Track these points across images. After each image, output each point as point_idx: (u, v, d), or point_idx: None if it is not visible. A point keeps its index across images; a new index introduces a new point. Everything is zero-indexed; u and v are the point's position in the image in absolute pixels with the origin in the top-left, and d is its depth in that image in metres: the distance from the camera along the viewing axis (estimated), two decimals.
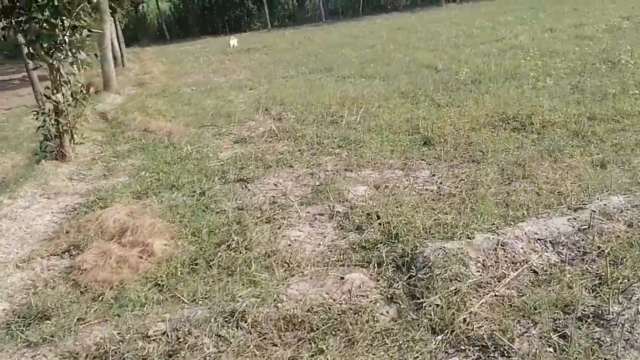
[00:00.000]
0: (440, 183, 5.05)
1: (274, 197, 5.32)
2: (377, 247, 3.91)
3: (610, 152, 5.21)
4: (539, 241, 3.55)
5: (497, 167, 5.21)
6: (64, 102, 7.19)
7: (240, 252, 4.09)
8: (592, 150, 5.31)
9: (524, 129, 6.33)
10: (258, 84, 12.90)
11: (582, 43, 11.99)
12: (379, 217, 4.37)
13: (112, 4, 18.43)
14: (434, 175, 5.31)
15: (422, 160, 5.82)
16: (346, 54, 16.34)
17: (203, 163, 6.68)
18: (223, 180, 5.96)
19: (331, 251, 4.05)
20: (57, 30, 6.71)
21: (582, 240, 3.54)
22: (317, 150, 6.70)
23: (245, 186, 5.73)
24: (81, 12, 6.78)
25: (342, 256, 3.91)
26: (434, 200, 4.66)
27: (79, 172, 7.03)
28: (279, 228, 4.55)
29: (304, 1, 41.95)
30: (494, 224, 3.96)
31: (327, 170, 5.87)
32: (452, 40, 16.11)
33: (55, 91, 7.11)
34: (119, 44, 20.96)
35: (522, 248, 3.49)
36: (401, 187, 5.07)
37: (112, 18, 18.97)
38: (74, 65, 7.09)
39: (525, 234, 3.62)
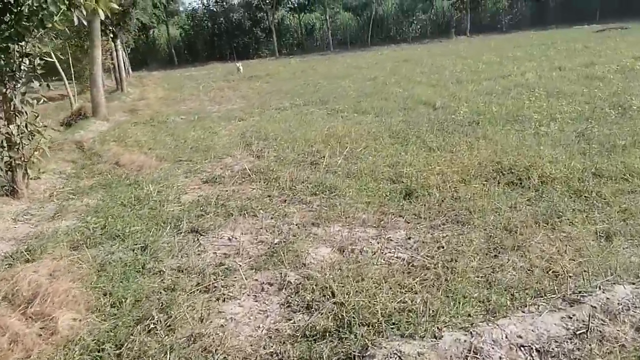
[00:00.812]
0: (416, 250, 4.30)
1: (224, 255, 4.60)
2: (324, 339, 3.15)
3: (618, 220, 4.44)
4: (522, 348, 2.77)
5: (483, 233, 4.45)
6: (17, 135, 6.58)
7: (159, 336, 3.35)
8: (596, 217, 4.53)
9: (520, 183, 5.58)
10: (249, 114, 12.34)
11: (592, 84, 11.29)
12: (334, 295, 3.62)
13: (114, 30, 18.13)
14: (409, 239, 4.56)
15: (400, 217, 5.07)
16: (345, 86, 15.79)
17: (160, 207, 5.98)
18: (175, 231, 5.25)
19: (270, 337, 3.30)
20: (10, 58, 6.13)
21: (578, 349, 2.76)
22: (288, 196, 6.00)
23: (197, 239, 5.02)
24: (37, 39, 6.21)
25: (279, 348, 3.16)
26: (403, 273, 3.90)
27: (27, 212, 6.36)
28: (216, 300, 3.81)
29: (313, 30, 41.86)
30: (470, 315, 3.19)
31: (292, 224, 5.15)
32: (455, 75, 15.51)
33: (7, 122, 6.51)
34: (119, 69, 20.66)
35: (500, 358, 2.72)
36: (369, 252, 4.32)
37: (113, 43, 18.70)
38: (29, 95, 6.49)
39: (507, 336, 2.86)
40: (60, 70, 14.95)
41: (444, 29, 42.87)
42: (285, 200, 5.89)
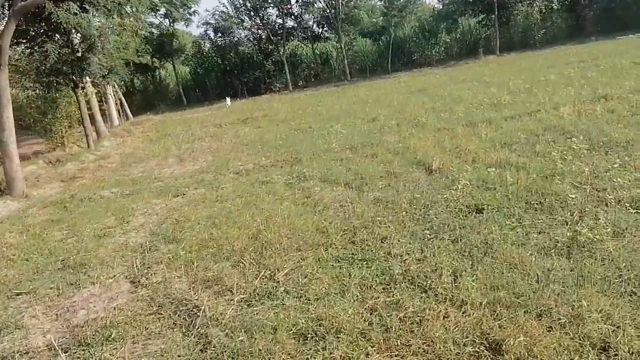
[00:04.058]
0: None
1: None
2: None
3: None
4: None
5: None
6: None
7: None
8: None
9: None
10: (195, 184, 9.62)
11: None
12: None
13: (75, 78, 15.94)
14: None
15: None
16: (335, 133, 12.92)
17: None
18: None
19: None
20: None
21: None
22: None
23: None
24: None
25: None
26: None
27: None
28: None
29: (328, 59, 39.33)
30: None
31: None
32: (471, 112, 12.41)
33: None
34: (92, 120, 18.47)
35: None
36: None
37: (74, 93, 16.51)
38: None
39: None
40: None
41: (471, 48, 39.52)
42: None
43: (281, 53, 35.03)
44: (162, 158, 13.94)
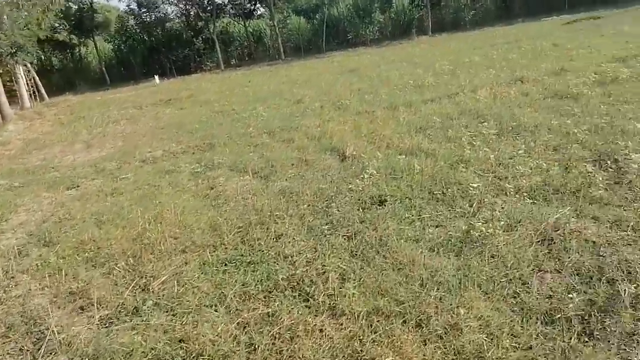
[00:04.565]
0: None
1: None
2: None
3: None
4: None
5: None
6: None
7: None
8: None
9: None
10: (95, 174, 8.86)
11: (563, 109, 8.01)
12: None
13: None
14: None
15: None
16: (257, 115, 12.41)
17: None
18: None
19: None
20: None
21: None
22: None
23: None
24: None
25: None
26: None
27: None
28: None
29: (262, 38, 38.27)
30: None
31: None
32: (394, 94, 12.20)
33: None
34: None
35: None
36: None
37: None
38: None
39: None
40: None
41: (405, 29, 39.64)
42: None
43: (211, 30, 33.60)
44: (69, 144, 12.90)
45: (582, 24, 25.69)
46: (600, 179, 4.87)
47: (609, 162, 5.37)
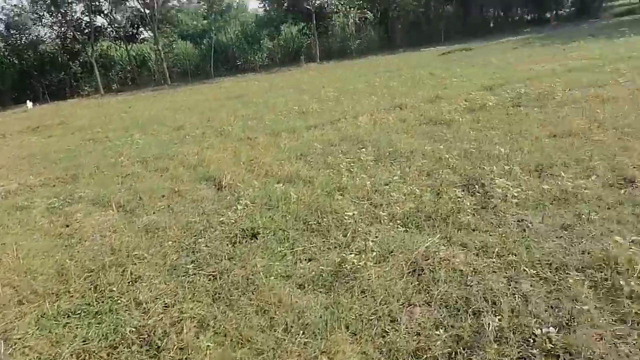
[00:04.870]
0: None
1: None
2: None
3: None
4: None
5: None
6: None
7: None
8: None
9: None
10: None
11: (437, 135, 8.26)
12: None
13: None
14: None
15: None
16: (132, 143, 11.58)
17: None
18: None
19: None
20: None
21: None
22: None
23: None
24: None
25: None
26: None
27: None
28: None
29: (146, 62, 36.77)
30: None
31: None
32: (278, 120, 12.04)
33: None
34: None
35: None
36: None
37: None
38: None
39: None
40: None
41: (294, 55, 40.28)
42: None
43: (89, 54, 31.54)
44: None
45: (456, 55, 27.65)
46: (469, 204, 4.93)
47: (476, 186, 5.49)
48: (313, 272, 4.07)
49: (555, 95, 10.09)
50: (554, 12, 52.34)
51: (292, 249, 4.61)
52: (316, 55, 37.18)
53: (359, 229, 4.81)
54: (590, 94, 9.67)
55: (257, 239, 4.96)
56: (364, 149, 7.81)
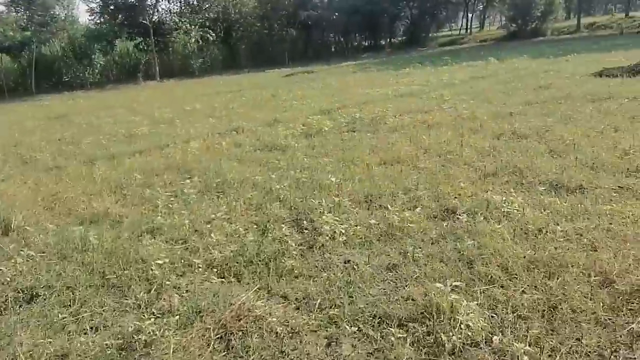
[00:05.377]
0: None
1: None
2: None
3: None
4: None
5: None
6: None
7: None
8: None
9: None
10: None
11: (271, 162, 7.79)
12: None
13: None
14: None
15: None
16: None
17: None
18: None
19: None
20: None
21: None
22: None
23: None
24: None
25: None
26: None
27: None
28: None
29: None
30: None
31: None
32: (99, 145, 10.68)
33: None
34: None
35: None
36: None
37: None
38: None
39: None
40: None
41: (132, 72, 37.68)
42: None
43: None
44: None
45: (299, 77, 28.08)
46: (294, 245, 4.44)
47: (305, 221, 5.05)
48: (96, 349, 3.20)
49: (387, 120, 10.34)
50: (388, 40, 56.76)
51: (77, 314, 3.67)
52: (156, 73, 35.19)
53: (168, 282, 4.03)
54: (418, 120, 10.05)
55: (34, 302, 3.90)
56: (189, 180, 7.03)
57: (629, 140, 6.73)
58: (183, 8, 41.36)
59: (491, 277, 3.56)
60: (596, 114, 8.79)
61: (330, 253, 4.31)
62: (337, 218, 4.81)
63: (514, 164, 6.23)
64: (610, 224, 4.21)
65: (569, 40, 39.24)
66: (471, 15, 65.87)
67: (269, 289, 3.79)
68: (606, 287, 3.27)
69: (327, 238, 4.54)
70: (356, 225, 4.76)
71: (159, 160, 8.67)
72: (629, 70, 13.32)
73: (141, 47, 36.63)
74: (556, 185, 5.39)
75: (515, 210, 4.64)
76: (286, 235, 4.66)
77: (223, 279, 4.03)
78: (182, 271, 4.26)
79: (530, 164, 6.16)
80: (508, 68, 19.81)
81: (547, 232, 4.22)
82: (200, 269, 4.22)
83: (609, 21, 49.02)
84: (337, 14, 49.24)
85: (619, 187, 5.09)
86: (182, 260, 4.44)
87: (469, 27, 62.48)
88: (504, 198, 4.87)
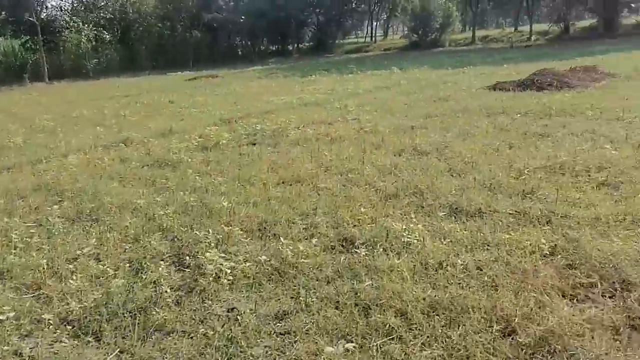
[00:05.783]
0: None
1: None
2: None
3: None
4: None
5: None
6: None
7: None
8: None
9: None
10: None
11: (159, 181, 7.03)
12: None
13: None
14: None
15: None
16: None
17: None
18: None
19: None
20: None
21: None
22: None
23: None
24: None
25: None
26: None
27: None
28: None
29: None
30: None
31: None
32: None
33: None
34: None
35: None
36: None
37: None
38: None
39: None
40: None
41: (18, 73, 34.33)
42: None
43: None
44: None
45: (202, 81, 27.01)
46: (169, 290, 3.82)
47: (188, 258, 4.44)
48: None
49: (289, 132, 9.92)
50: (296, 45, 56.79)
51: None
52: (44, 74, 32.32)
53: (6, 347, 3.25)
54: (321, 132, 9.71)
55: None
56: (59, 204, 6.12)
57: (524, 158, 6.80)
58: (76, 5, 38.45)
59: (389, 326, 3.19)
60: (492, 129, 8.94)
61: (211, 300, 3.74)
62: (224, 254, 4.25)
63: (414, 184, 6.01)
64: (510, 255, 4.03)
65: (466, 51, 41.47)
66: (376, 23, 67.91)
67: (132, 353, 3.15)
68: (508, 336, 3.01)
69: (210, 279, 3.96)
70: (245, 262, 4.23)
71: (28, 178, 7.58)
72: (520, 84, 13.98)
73: (28, 45, 33.53)
74: (456, 209, 5.21)
75: (415, 240, 4.35)
76: (163, 277, 4.02)
77: (78, 339, 3.33)
78: (29, 329, 3.49)
79: (431, 184, 5.98)
80: (410, 78, 20.26)
81: (447, 265, 3.95)
82: (51, 327, 3.47)
83: (500, 35, 52.62)
84: (243, 17, 48.35)
85: (515, 211, 4.99)
86: (31, 315, 3.66)
87: (373, 35, 64.26)
88: (403, 226, 4.57)
